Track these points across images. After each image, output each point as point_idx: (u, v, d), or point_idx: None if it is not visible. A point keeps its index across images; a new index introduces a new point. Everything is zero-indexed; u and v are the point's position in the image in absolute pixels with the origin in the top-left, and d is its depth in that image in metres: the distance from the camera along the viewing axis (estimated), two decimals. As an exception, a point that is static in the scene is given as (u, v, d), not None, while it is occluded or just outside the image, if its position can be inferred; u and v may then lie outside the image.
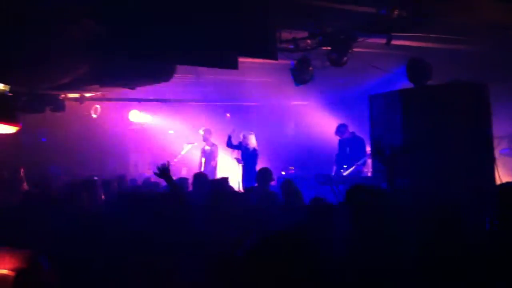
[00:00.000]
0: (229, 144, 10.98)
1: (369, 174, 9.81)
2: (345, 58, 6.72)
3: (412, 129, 6.69)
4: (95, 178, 6.58)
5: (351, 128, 10.06)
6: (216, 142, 11.68)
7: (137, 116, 12.73)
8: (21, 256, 1.89)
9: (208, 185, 7.42)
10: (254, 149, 10.73)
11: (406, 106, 6.77)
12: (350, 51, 6.58)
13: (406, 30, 6.28)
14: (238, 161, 10.82)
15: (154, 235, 4.00)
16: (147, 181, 8.66)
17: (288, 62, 7.56)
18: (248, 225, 4.57)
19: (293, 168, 11.75)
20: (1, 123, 3.77)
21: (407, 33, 6.56)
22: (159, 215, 4.63)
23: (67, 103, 9.75)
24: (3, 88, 3.72)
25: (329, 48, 6.87)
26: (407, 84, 7.30)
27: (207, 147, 11.59)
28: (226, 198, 5.70)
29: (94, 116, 11.17)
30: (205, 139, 11.57)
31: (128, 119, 12.69)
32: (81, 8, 4.62)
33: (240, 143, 10.86)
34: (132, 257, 3.56)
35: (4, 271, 1.81)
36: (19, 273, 1.81)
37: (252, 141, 10.79)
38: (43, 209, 5.39)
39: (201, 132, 11.59)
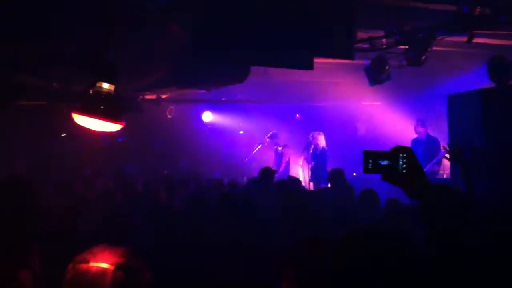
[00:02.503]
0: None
1: (444, 176, 9.54)
2: (423, 57, 6.55)
3: (494, 130, 6.46)
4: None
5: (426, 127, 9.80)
6: (286, 143, 11.78)
7: (210, 117, 13.02)
8: (119, 252, 1.97)
9: (274, 180, 7.49)
10: (323, 149, 10.69)
11: (487, 106, 6.55)
12: (429, 49, 6.41)
13: (489, 27, 6.05)
14: (308, 161, 10.82)
15: (233, 235, 4.08)
16: (218, 182, 8.83)
17: (360, 62, 7.47)
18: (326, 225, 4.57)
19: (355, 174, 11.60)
20: (108, 121, 3.98)
21: (490, 30, 6.31)
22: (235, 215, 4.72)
23: (144, 104, 10.12)
24: (109, 88, 3.93)
25: (406, 47, 6.73)
26: (487, 84, 7.06)
27: (279, 148, 11.71)
28: (299, 198, 5.74)
29: (169, 116, 11.51)
30: (274, 143, 11.71)
31: (201, 120, 12.99)
32: (167, 13, 4.80)
33: (309, 143, 10.85)
34: (211, 256, 3.63)
35: (104, 265, 1.90)
36: (118, 267, 1.90)
37: (321, 141, 10.76)
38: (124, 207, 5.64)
39: (267, 138, 11.75)
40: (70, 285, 1.89)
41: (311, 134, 10.87)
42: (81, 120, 4.03)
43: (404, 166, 1.85)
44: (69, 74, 6.34)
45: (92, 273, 1.88)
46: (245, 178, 11.10)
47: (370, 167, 1.91)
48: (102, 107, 3.94)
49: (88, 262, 1.91)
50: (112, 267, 1.89)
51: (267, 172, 7.47)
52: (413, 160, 1.85)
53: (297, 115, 13.57)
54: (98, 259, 1.92)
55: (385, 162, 1.88)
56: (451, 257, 1.74)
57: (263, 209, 4.99)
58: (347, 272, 1.64)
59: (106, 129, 4.15)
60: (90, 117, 3.98)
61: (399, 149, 1.88)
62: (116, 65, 3.92)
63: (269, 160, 11.93)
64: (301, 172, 11.59)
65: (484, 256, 2.28)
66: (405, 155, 1.86)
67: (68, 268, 1.93)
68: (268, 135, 11.80)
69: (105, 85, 3.96)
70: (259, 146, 11.89)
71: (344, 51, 5.91)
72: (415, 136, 9.65)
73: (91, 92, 3.94)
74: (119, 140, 11.64)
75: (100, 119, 3.98)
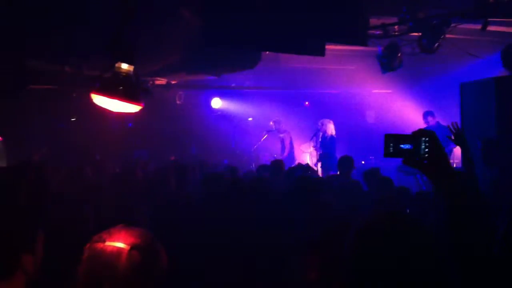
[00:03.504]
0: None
1: (454, 166, 9.50)
2: (436, 44, 6.49)
3: (507, 118, 6.42)
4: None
5: (437, 118, 9.75)
6: (287, 129, 11.88)
7: (219, 103, 13.01)
8: (136, 233, 1.97)
9: (284, 172, 7.51)
10: (332, 137, 10.67)
11: (500, 94, 6.50)
12: (442, 37, 6.34)
13: (505, 14, 5.97)
14: (316, 149, 10.83)
15: (246, 221, 4.07)
16: (227, 168, 8.83)
17: (371, 49, 7.41)
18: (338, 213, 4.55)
19: (373, 157, 11.60)
20: (126, 102, 3.97)
21: (505, 18, 6.23)
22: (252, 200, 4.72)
23: (153, 89, 10.10)
24: (128, 69, 3.92)
25: (419, 34, 6.67)
26: (501, 72, 7.00)
27: (281, 135, 11.80)
28: (311, 185, 5.71)
29: (178, 102, 11.51)
30: (277, 130, 11.80)
31: (210, 106, 12.99)
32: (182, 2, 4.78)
33: (318, 130, 10.84)
34: (224, 242, 3.63)
35: (120, 245, 1.89)
36: (133, 247, 1.90)
37: (331, 128, 10.73)
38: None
39: (271, 123, 11.83)
40: (86, 263, 1.90)
41: (320, 122, 10.83)
42: (100, 100, 4.01)
43: (426, 150, 1.82)
44: (82, 58, 6.33)
45: (107, 252, 1.88)
46: (253, 165, 11.13)
47: (391, 150, 1.89)
48: (121, 87, 3.92)
49: (104, 241, 1.91)
50: (128, 247, 1.88)
51: (277, 165, 7.50)
52: (435, 144, 1.82)
53: (306, 102, 13.53)
54: (114, 238, 1.92)
55: (406, 146, 1.85)
56: (468, 244, 1.72)
57: (276, 196, 4.98)
58: (366, 258, 1.63)
59: (124, 110, 4.14)
60: (108, 97, 3.96)
61: (421, 132, 1.85)
62: (134, 45, 3.91)
63: (275, 147, 11.99)
64: (309, 159, 11.59)
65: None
66: (427, 139, 1.83)
67: (85, 248, 1.93)
68: (272, 121, 11.88)
69: (124, 66, 3.94)
70: (266, 136, 11.94)
71: (357, 37, 5.87)
72: (425, 125, 9.60)
73: (110, 73, 3.92)
74: (128, 125, 11.66)
75: (119, 99, 3.96)
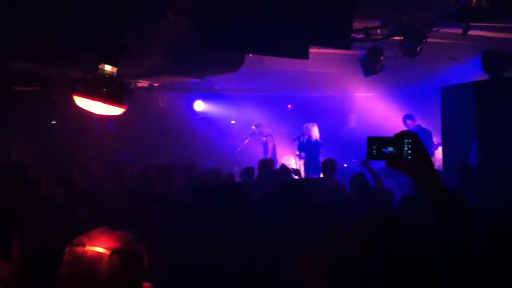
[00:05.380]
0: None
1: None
2: (418, 48, 6.57)
3: (487, 122, 6.51)
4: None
5: (417, 121, 9.85)
6: (271, 132, 11.95)
7: (202, 106, 12.98)
8: (116, 236, 1.94)
9: (273, 172, 7.54)
10: (317, 141, 10.70)
11: (481, 98, 6.59)
12: (424, 41, 6.42)
13: (486, 19, 6.07)
14: (300, 156, 10.86)
15: (229, 222, 4.07)
16: (210, 170, 8.81)
17: (354, 52, 7.47)
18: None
19: (355, 160, 11.66)
20: (110, 104, 3.92)
21: (486, 22, 6.33)
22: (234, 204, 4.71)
23: (136, 92, 10.02)
24: (111, 70, 3.87)
25: (401, 37, 6.74)
26: (481, 76, 7.10)
27: (263, 138, 11.87)
28: (295, 187, 5.72)
29: (161, 104, 11.45)
30: (259, 133, 11.85)
31: (193, 109, 12.95)
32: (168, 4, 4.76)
33: (302, 134, 10.87)
34: (209, 245, 3.62)
35: (100, 249, 1.87)
36: (113, 251, 1.87)
37: (315, 133, 10.77)
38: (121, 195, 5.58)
39: (253, 127, 11.88)
40: (66, 267, 1.87)
41: (304, 126, 10.87)
42: (83, 102, 3.96)
43: (409, 152, 1.83)
44: (66, 59, 6.25)
45: (88, 256, 1.85)
46: (236, 168, 11.11)
47: (374, 153, 1.89)
48: (104, 89, 3.88)
49: (84, 245, 1.88)
50: (108, 252, 1.86)
51: (265, 163, 7.53)
52: (418, 146, 1.84)
53: (289, 105, 13.57)
54: (95, 243, 1.89)
55: (390, 148, 1.86)
56: (457, 246, 1.75)
57: (262, 200, 4.99)
58: (360, 259, 1.65)
59: (107, 112, 4.09)
60: (91, 99, 3.92)
61: (404, 134, 1.86)
62: (122, 46, 3.87)
63: (258, 151, 12.00)
64: (294, 162, 11.61)
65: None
66: (410, 140, 1.84)
67: (65, 251, 1.90)
68: (253, 125, 11.97)
69: (108, 67, 3.90)
70: (248, 140, 11.98)
71: (341, 40, 5.90)
72: (405, 129, 9.66)
73: (93, 74, 3.88)
74: (110, 128, 11.55)
75: (102, 102, 3.92)
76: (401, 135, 1.85)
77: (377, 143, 1.88)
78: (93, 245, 1.87)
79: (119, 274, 1.85)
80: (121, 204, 4.39)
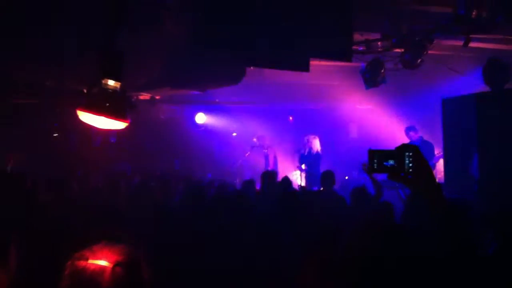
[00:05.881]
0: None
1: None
2: (418, 60, 6.58)
3: (488, 134, 6.49)
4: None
5: (419, 133, 9.83)
6: (272, 144, 11.96)
7: (203, 119, 12.99)
8: (118, 250, 1.95)
9: (276, 184, 7.52)
10: (318, 153, 10.70)
11: (482, 110, 6.58)
12: (424, 52, 6.43)
13: (485, 31, 6.07)
14: (300, 169, 10.85)
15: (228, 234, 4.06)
16: (211, 184, 8.80)
17: (355, 64, 7.48)
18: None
19: (356, 172, 11.63)
20: (113, 119, 3.92)
21: (486, 34, 6.34)
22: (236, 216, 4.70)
23: (138, 104, 10.04)
24: (114, 85, 3.88)
25: (402, 50, 6.75)
26: (482, 88, 7.09)
27: (265, 150, 11.88)
28: (295, 200, 5.70)
29: (162, 117, 11.46)
30: (261, 145, 11.86)
31: (194, 121, 12.96)
32: (164, 11, 4.77)
33: (303, 146, 10.87)
34: (210, 255, 3.61)
35: (103, 263, 1.87)
36: (117, 264, 1.87)
37: (316, 145, 10.76)
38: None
39: (255, 139, 11.89)
40: (68, 282, 1.87)
41: (306, 138, 10.86)
42: (86, 117, 3.95)
43: (411, 165, 1.82)
44: (65, 70, 6.27)
45: (90, 270, 1.85)
46: (237, 180, 11.09)
47: (375, 166, 1.88)
48: (107, 104, 3.87)
49: (87, 259, 1.88)
50: (111, 265, 1.86)
51: (268, 175, 7.53)
52: (419, 158, 1.83)
53: (290, 117, 13.57)
54: (97, 256, 1.89)
55: (391, 161, 1.86)
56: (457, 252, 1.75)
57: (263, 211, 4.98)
58: (360, 262, 1.67)
59: (111, 127, 4.08)
60: (95, 114, 3.90)
61: (405, 147, 1.85)
62: (120, 55, 3.86)
63: (260, 163, 11.99)
64: (299, 175, 11.57)
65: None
66: (411, 153, 1.83)
67: (67, 265, 1.90)
68: (255, 138, 11.98)
69: (111, 82, 3.89)
70: (249, 153, 12.00)
71: (342, 52, 5.91)
72: (407, 140, 9.66)
73: (96, 88, 3.87)
74: (111, 140, 11.56)
75: (105, 116, 3.91)
76: (402, 148, 1.85)
77: (378, 156, 1.88)
78: (96, 259, 1.88)
79: (123, 286, 1.85)
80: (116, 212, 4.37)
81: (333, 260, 1.83)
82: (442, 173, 8.13)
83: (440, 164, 9.03)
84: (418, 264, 1.66)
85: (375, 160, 1.88)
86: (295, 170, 11.62)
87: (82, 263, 1.87)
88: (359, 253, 1.70)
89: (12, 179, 3.67)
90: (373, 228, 1.77)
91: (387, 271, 1.64)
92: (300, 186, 8.12)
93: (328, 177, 7.46)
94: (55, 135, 10.75)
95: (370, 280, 1.65)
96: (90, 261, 1.87)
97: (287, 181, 7.65)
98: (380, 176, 7.37)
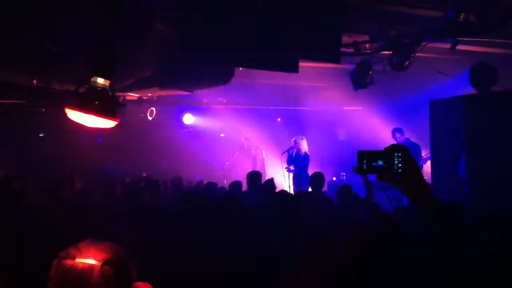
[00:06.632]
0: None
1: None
2: (407, 63, 6.62)
3: (475, 136, 6.54)
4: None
5: (406, 134, 9.89)
6: (259, 146, 11.97)
7: (191, 119, 12.96)
8: (105, 248, 1.94)
9: (261, 185, 7.51)
10: (306, 154, 10.70)
11: (469, 112, 6.62)
12: (413, 55, 6.47)
13: (473, 34, 6.13)
14: (288, 170, 10.85)
15: (217, 235, 4.04)
16: (200, 184, 8.78)
17: (343, 66, 7.51)
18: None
19: (344, 174, 11.68)
20: (102, 117, 3.89)
21: (474, 37, 6.40)
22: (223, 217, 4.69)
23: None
24: (104, 83, 3.84)
25: (390, 52, 6.79)
26: (469, 91, 7.15)
27: (253, 151, 11.87)
28: (279, 201, 5.71)
29: (150, 118, 11.40)
30: (248, 146, 11.88)
31: (182, 122, 12.92)
32: (153, 13, 4.75)
33: (291, 147, 10.88)
34: (199, 255, 3.60)
35: (92, 261, 1.85)
36: (105, 262, 1.86)
37: (304, 146, 10.77)
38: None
39: (243, 140, 11.92)
40: (56, 281, 1.84)
41: (293, 139, 10.86)
42: (75, 116, 3.91)
43: (400, 165, 1.83)
44: (52, 71, 6.21)
45: (78, 269, 1.84)
46: (225, 181, 11.07)
47: (365, 167, 1.88)
48: (97, 102, 3.84)
49: (74, 258, 1.86)
50: (99, 263, 1.84)
51: (253, 176, 7.51)
52: (408, 159, 1.83)
53: (279, 119, 13.59)
54: (84, 255, 1.87)
55: (380, 162, 1.86)
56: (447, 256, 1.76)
57: (252, 212, 4.96)
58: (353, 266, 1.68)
59: (100, 125, 4.06)
60: (84, 112, 3.87)
61: (394, 148, 1.86)
62: (114, 56, 3.84)
63: (247, 164, 12.00)
64: (286, 175, 11.57)
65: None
66: (400, 154, 1.84)
67: (53, 264, 1.87)
68: (242, 138, 12.05)
69: (100, 80, 3.87)
70: (237, 153, 12.03)
71: (330, 54, 5.92)
72: (394, 142, 9.71)
73: (85, 87, 3.84)
74: (98, 141, 11.47)
75: (95, 115, 3.88)
76: (391, 149, 1.85)
77: (367, 157, 1.87)
78: (83, 257, 1.86)
79: (112, 285, 1.85)
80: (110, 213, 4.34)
81: (331, 260, 1.84)
82: (429, 175, 8.18)
83: (428, 166, 9.09)
84: (415, 264, 1.66)
85: (364, 161, 1.88)
86: (282, 171, 11.63)
87: (69, 262, 1.85)
88: (357, 254, 1.70)
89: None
90: (371, 229, 1.78)
91: (384, 272, 1.65)
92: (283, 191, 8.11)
93: (317, 179, 7.49)
94: (40, 135, 10.65)
95: (367, 281, 1.66)
96: (78, 259, 1.85)
97: (271, 183, 7.64)
98: (369, 177, 7.47)
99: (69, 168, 9.31)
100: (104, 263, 1.85)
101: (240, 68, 7.56)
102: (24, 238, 2.67)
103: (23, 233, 2.87)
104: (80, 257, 1.86)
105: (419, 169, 1.84)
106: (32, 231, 3.21)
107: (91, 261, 1.85)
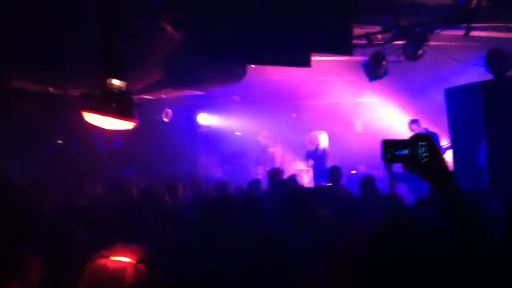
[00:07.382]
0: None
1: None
2: (420, 51, 6.53)
3: (494, 122, 6.44)
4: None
5: (424, 124, 9.78)
6: (278, 144, 11.93)
7: (205, 119, 12.98)
8: (138, 248, 1.96)
9: (282, 181, 7.51)
10: (325, 150, 10.71)
11: (486, 98, 6.53)
12: (426, 43, 6.39)
13: (486, 19, 6.02)
14: (308, 165, 10.85)
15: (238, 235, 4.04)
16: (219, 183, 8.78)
17: (357, 58, 7.44)
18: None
19: (363, 166, 11.59)
20: (120, 119, 3.90)
21: (487, 23, 6.28)
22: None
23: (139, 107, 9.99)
24: (120, 85, 3.85)
25: (403, 41, 6.71)
26: (486, 77, 7.04)
27: (271, 149, 11.83)
28: (301, 197, 5.69)
29: (166, 120, 11.42)
30: (267, 145, 11.85)
31: (197, 122, 12.94)
32: (163, 13, 4.75)
33: (310, 142, 10.87)
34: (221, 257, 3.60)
35: (126, 259, 1.87)
36: (139, 261, 1.88)
37: (324, 141, 10.77)
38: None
39: (260, 139, 11.88)
40: (89, 280, 1.85)
41: (312, 133, 10.86)
42: (92, 118, 3.92)
43: (425, 154, 1.82)
44: (67, 77, 6.26)
45: (113, 267, 1.85)
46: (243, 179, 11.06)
47: (389, 157, 1.88)
48: (114, 104, 3.83)
49: (107, 257, 1.87)
50: (133, 261, 1.86)
51: (273, 173, 7.56)
52: (433, 147, 1.83)
53: (294, 114, 13.53)
54: (118, 253, 1.90)
55: (405, 151, 1.85)
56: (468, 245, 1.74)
57: (270, 210, 4.97)
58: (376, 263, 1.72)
59: (118, 127, 4.05)
60: (101, 115, 3.87)
61: (418, 137, 1.85)
62: (122, 56, 3.84)
63: (266, 162, 11.95)
64: (306, 171, 11.54)
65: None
66: (424, 143, 1.83)
67: (86, 265, 1.88)
68: (260, 137, 12.06)
69: (116, 82, 3.86)
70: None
71: (342, 47, 5.89)
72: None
73: (101, 89, 3.84)
74: (115, 145, 11.54)
75: (112, 117, 3.87)
76: (416, 137, 1.85)
77: (391, 146, 1.88)
78: (117, 256, 1.89)
79: (145, 283, 1.86)
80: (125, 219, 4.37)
81: (354, 259, 1.84)
82: (451, 164, 8.09)
83: (449, 155, 8.99)
84: (438, 261, 1.66)
85: (389, 150, 1.88)
86: (301, 167, 11.60)
87: (102, 260, 1.86)
88: (381, 252, 1.72)
89: (11, 191, 3.65)
90: (396, 225, 1.78)
91: (409, 270, 1.67)
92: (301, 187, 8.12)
93: (335, 172, 7.53)
94: (59, 141, 10.75)
95: (391, 279, 1.65)
96: (112, 258, 1.87)
97: (293, 180, 7.63)
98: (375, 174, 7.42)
99: (88, 174, 9.39)
100: (138, 262, 1.87)
101: (253, 65, 7.55)
102: (38, 247, 2.69)
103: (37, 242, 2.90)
104: (114, 256, 1.88)
105: (443, 157, 1.84)
106: (48, 238, 3.24)
107: (125, 259, 1.86)
